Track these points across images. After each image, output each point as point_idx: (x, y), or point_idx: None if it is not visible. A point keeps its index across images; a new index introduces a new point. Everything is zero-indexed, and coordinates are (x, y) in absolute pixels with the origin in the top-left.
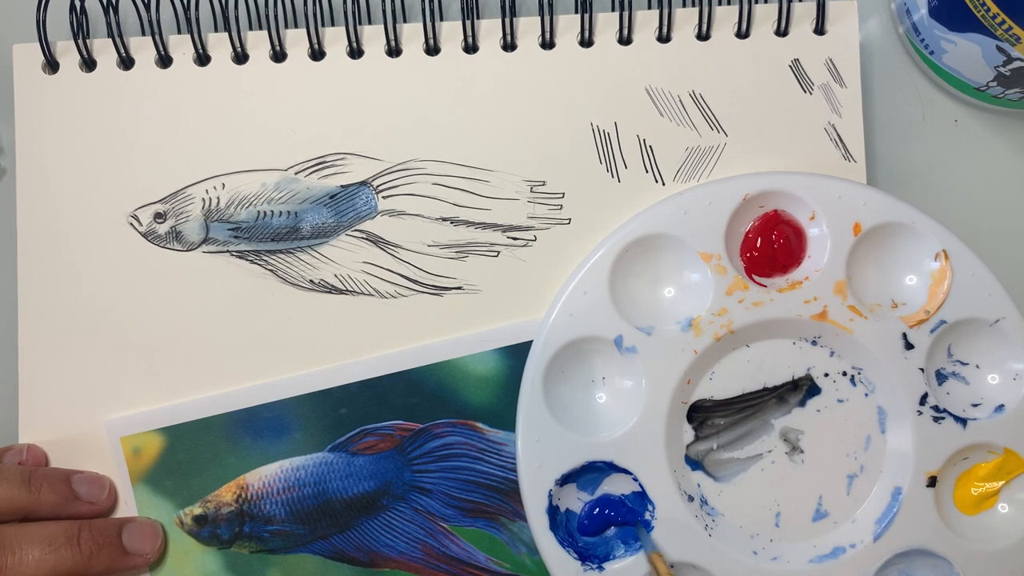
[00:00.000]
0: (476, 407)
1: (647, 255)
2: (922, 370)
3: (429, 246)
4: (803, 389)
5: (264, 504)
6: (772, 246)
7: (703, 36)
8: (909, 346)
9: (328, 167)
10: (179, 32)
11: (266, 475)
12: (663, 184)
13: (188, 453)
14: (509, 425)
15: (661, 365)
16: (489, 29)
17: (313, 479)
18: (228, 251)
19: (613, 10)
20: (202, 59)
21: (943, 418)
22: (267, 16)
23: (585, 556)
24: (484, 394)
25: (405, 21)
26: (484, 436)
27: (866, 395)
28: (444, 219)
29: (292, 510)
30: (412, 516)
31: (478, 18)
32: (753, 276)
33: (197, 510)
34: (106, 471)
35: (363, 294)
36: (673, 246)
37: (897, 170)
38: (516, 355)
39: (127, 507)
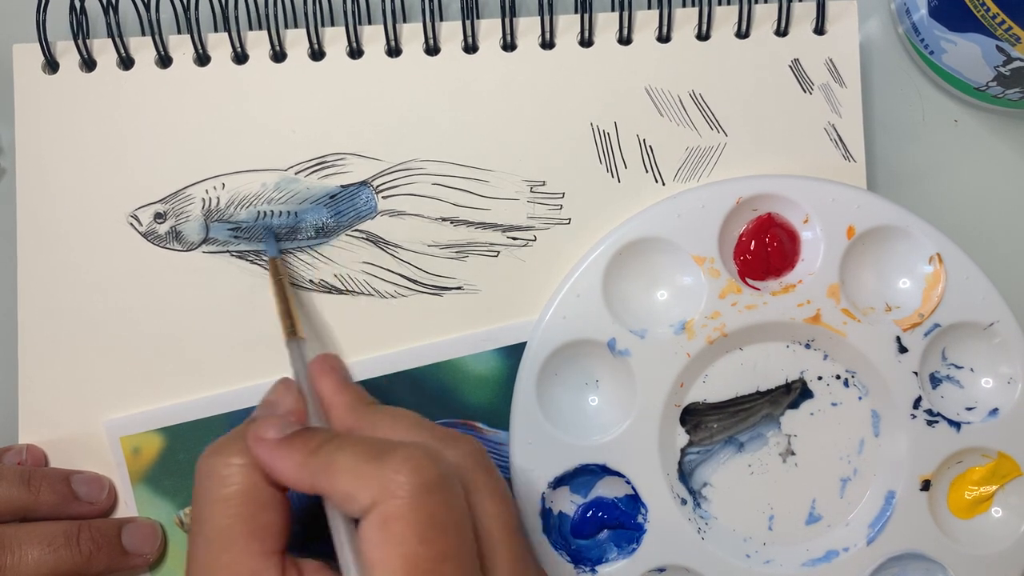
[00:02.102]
0: (476, 407)
1: (640, 258)
2: (916, 374)
3: (429, 246)
4: (796, 392)
5: None
6: (765, 249)
7: (703, 36)
8: (903, 350)
9: (328, 167)
10: (179, 32)
11: None
12: (663, 184)
13: (188, 453)
14: (509, 425)
15: (654, 368)
16: (489, 29)
17: None
18: (228, 251)
19: (613, 10)
20: (202, 59)
21: (937, 422)
22: (267, 16)
23: (578, 559)
24: (484, 394)
25: (405, 21)
26: (484, 436)
27: (860, 398)
28: (444, 219)
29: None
30: None
31: (478, 18)
32: (746, 279)
33: None
34: (106, 471)
35: (363, 294)
36: (666, 249)
37: (897, 170)
38: (516, 355)
39: (127, 507)
